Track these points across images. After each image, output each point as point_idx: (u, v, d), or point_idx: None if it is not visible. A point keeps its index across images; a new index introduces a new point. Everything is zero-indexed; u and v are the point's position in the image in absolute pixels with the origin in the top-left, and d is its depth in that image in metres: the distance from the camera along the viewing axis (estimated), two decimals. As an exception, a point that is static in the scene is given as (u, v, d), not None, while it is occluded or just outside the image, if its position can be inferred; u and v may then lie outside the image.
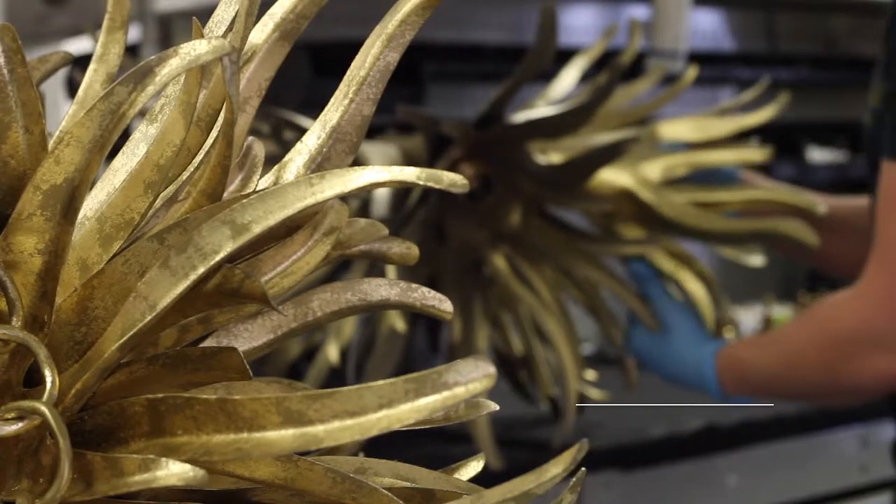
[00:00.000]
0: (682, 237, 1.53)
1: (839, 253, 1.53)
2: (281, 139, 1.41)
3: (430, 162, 1.48)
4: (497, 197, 1.54)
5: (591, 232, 1.56)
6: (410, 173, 0.52)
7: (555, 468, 0.50)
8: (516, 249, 1.54)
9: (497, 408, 0.57)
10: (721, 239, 1.52)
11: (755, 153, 1.55)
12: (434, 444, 1.41)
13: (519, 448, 1.60)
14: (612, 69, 1.48)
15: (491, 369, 0.44)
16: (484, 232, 1.55)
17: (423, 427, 0.53)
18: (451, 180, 0.51)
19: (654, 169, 1.53)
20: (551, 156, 1.53)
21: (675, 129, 1.55)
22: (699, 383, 1.44)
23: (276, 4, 0.59)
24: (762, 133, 2.29)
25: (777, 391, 1.43)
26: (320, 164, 0.58)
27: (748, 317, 2.33)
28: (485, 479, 0.57)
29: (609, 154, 1.47)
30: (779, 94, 1.60)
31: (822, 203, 1.51)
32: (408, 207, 1.48)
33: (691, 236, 1.53)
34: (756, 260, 1.57)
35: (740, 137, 1.59)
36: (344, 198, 0.51)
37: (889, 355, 1.27)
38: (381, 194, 1.45)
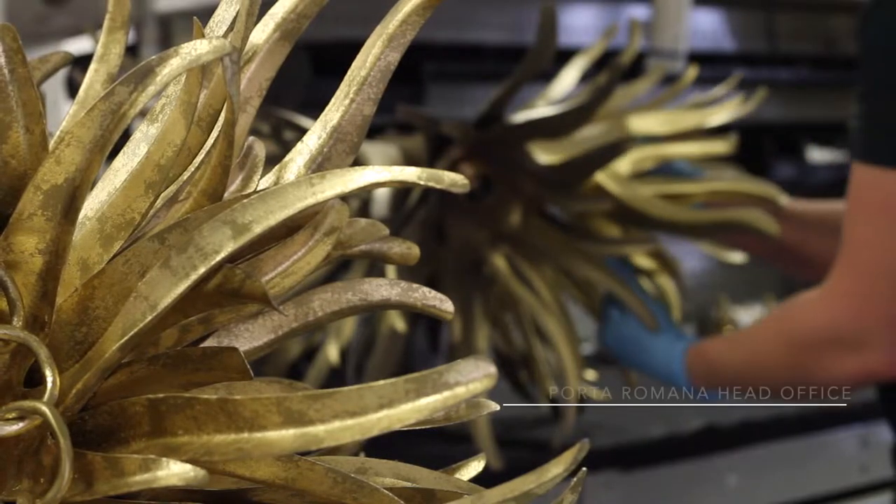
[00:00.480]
0: (651, 230, 1.54)
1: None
2: (281, 139, 1.41)
3: (430, 162, 1.48)
4: (497, 197, 1.54)
5: (591, 232, 1.56)
6: (411, 173, 0.52)
7: (555, 468, 0.50)
8: (516, 249, 1.54)
9: (497, 408, 0.57)
10: (688, 230, 1.54)
11: (720, 145, 1.57)
12: (434, 444, 1.41)
13: (519, 448, 1.59)
14: (612, 69, 1.48)
15: (491, 369, 0.44)
16: (484, 232, 1.55)
17: (423, 427, 0.53)
18: (452, 180, 0.51)
19: (624, 163, 1.54)
20: (545, 156, 1.54)
21: (644, 122, 1.57)
22: (669, 378, 1.45)
23: (277, 4, 0.59)
24: (762, 133, 2.30)
25: (745, 388, 1.44)
26: (321, 164, 0.58)
27: (748, 317, 2.33)
28: (485, 479, 0.57)
29: (609, 154, 1.47)
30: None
31: (783, 194, 1.53)
32: (408, 207, 1.48)
33: (659, 228, 1.54)
34: (736, 257, 1.60)
35: (726, 135, 1.61)
36: (344, 198, 0.51)
37: (855, 355, 1.28)
38: (381, 194, 1.45)
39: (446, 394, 0.44)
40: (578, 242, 1.53)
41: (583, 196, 1.52)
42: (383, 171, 0.51)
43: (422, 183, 0.52)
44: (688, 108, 1.59)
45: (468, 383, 0.44)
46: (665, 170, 1.56)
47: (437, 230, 1.54)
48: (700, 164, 1.61)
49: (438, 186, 0.52)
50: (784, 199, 1.54)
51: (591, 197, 1.52)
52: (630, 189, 1.52)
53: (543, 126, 1.48)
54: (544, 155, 1.53)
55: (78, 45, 1.86)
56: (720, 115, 1.58)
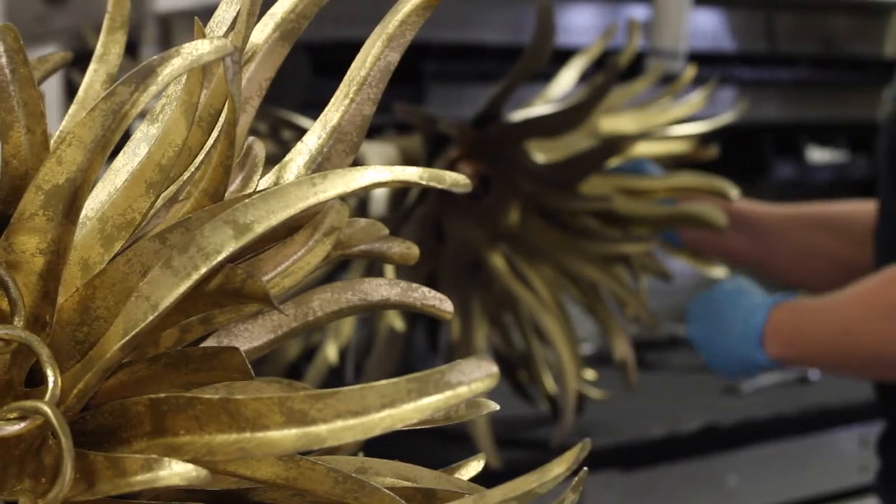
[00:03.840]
0: (613, 224, 1.55)
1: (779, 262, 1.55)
2: (279, 138, 1.41)
3: (428, 161, 1.48)
4: (495, 196, 1.54)
5: (591, 231, 1.56)
6: (413, 173, 0.52)
7: (557, 468, 0.50)
8: (515, 248, 1.54)
9: (497, 407, 0.57)
10: (646, 224, 1.55)
11: (682, 144, 1.59)
12: (434, 444, 1.41)
13: (519, 448, 1.59)
14: (610, 69, 1.48)
15: (493, 369, 0.44)
16: (482, 231, 1.55)
17: (423, 427, 0.53)
18: (454, 180, 0.51)
19: None
20: (542, 155, 1.55)
21: (615, 122, 1.58)
22: (744, 341, 1.38)
23: (277, 4, 0.59)
24: (762, 133, 2.29)
25: (829, 362, 1.39)
26: (321, 164, 0.58)
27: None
28: (485, 479, 0.57)
29: (607, 152, 1.48)
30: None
31: (735, 188, 1.54)
32: (406, 206, 1.48)
33: (620, 222, 1.55)
34: (718, 272, 1.62)
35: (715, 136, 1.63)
36: (343, 197, 0.51)
37: None
38: (380, 193, 1.45)
39: (448, 393, 0.44)
40: (577, 241, 1.53)
41: (581, 195, 1.52)
42: (385, 170, 0.51)
43: (423, 183, 0.52)
44: (657, 109, 1.61)
45: (470, 383, 0.44)
46: (626, 167, 1.58)
47: (435, 229, 1.54)
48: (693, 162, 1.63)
49: (440, 186, 0.52)
50: (735, 193, 1.54)
51: (590, 196, 1.52)
52: (591, 184, 1.53)
53: (540, 125, 1.48)
54: (541, 154, 1.53)
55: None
56: (682, 111, 1.59)
